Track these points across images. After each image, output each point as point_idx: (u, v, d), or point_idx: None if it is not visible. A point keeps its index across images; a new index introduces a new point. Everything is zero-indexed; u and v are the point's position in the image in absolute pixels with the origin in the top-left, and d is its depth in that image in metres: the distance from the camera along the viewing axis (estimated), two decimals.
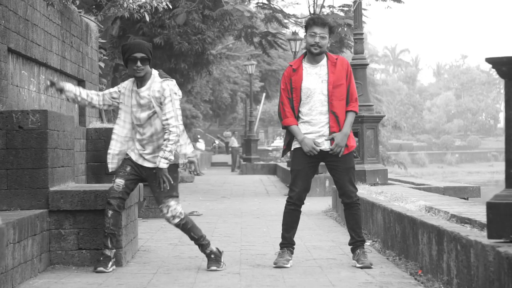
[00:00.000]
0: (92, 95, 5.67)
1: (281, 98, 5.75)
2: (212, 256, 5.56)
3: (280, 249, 5.76)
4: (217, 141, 54.26)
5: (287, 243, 5.76)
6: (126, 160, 5.59)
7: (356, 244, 5.76)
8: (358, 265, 5.61)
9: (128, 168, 5.57)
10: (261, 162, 29.73)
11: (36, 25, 7.59)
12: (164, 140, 5.43)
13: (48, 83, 5.59)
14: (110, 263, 5.45)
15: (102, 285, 4.95)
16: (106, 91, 5.70)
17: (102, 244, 5.51)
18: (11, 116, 5.50)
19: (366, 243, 5.89)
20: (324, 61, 5.72)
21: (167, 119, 5.43)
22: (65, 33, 8.80)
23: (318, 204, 11.76)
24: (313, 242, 7.16)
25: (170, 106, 5.44)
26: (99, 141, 9.21)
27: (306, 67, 5.71)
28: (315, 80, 5.67)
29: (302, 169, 5.69)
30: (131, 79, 5.65)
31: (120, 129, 5.62)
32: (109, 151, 5.63)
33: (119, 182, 5.53)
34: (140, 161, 5.58)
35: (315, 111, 5.65)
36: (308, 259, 6.05)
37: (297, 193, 5.71)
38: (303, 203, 5.79)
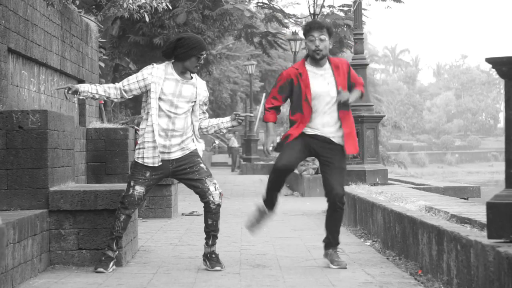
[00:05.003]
0: (110, 90, 5.52)
1: (273, 93, 5.78)
2: (214, 256, 5.57)
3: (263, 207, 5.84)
4: (217, 141, 54.25)
5: (268, 201, 5.82)
6: (143, 165, 5.47)
7: (331, 244, 5.72)
8: (333, 266, 5.58)
9: (148, 174, 5.48)
10: (261, 162, 29.69)
11: (36, 25, 7.59)
12: (208, 123, 5.79)
13: (65, 90, 5.48)
14: (111, 264, 5.45)
15: (102, 285, 4.95)
16: (125, 83, 5.52)
17: (106, 245, 5.50)
18: (11, 116, 5.50)
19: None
20: (327, 64, 5.70)
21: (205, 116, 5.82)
22: (65, 33, 8.81)
23: (318, 204, 11.76)
24: (313, 242, 7.16)
25: (207, 106, 5.81)
26: (99, 141, 9.22)
27: (310, 70, 5.68)
28: (321, 83, 5.65)
29: (292, 147, 5.63)
30: (159, 67, 5.51)
31: (158, 119, 5.46)
32: (148, 144, 5.44)
33: (140, 190, 5.45)
34: (166, 156, 5.49)
35: (321, 113, 5.63)
36: (308, 259, 6.05)
37: (281, 166, 5.60)
38: (287, 177, 5.70)
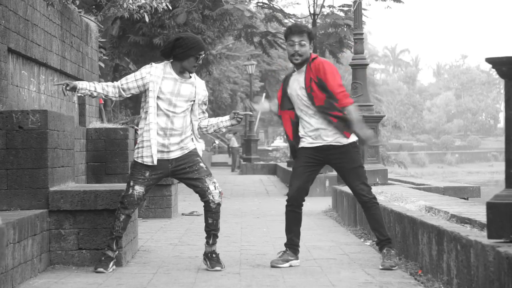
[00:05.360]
0: (108, 88, 5.52)
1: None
2: (214, 255, 5.56)
3: (284, 249, 5.76)
4: (217, 141, 54.27)
5: (288, 244, 5.75)
6: (143, 165, 5.47)
7: (381, 244, 5.65)
8: (380, 267, 5.52)
9: (147, 173, 5.47)
10: (261, 162, 29.72)
11: (36, 25, 7.59)
12: (208, 122, 5.78)
13: (63, 87, 5.47)
14: (111, 264, 5.45)
15: (102, 285, 4.95)
16: (124, 82, 5.52)
17: (106, 245, 5.50)
18: (11, 116, 5.50)
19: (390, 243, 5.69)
20: (304, 67, 5.65)
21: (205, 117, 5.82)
22: (65, 33, 8.81)
23: (318, 204, 11.76)
24: (313, 242, 7.16)
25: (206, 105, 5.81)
26: (99, 141, 9.22)
27: (294, 74, 5.72)
28: (296, 86, 5.64)
29: (298, 168, 5.67)
30: (157, 66, 5.51)
31: (157, 118, 5.47)
32: (147, 143, 5.44)
33: (140, 190, 5.45)
34: (165, 156, 5.49)
35: (306, 116, 5.62)
36: (308, 259, 6.05)
37: (292, 193, 5.67)
38: (301, 205, 5.73)
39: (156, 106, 5.45)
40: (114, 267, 5.48)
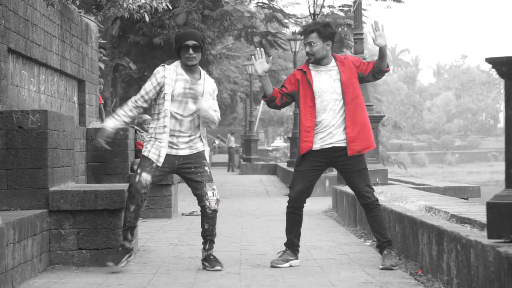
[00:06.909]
0: (134, 112, 5.54)
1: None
2: (212, 257, 5.57)
3: (284, 249, 5.76)
4: (217, 141, 54.26)
5: (288, 244, 5.75)
6: (149, 158, 5.48)
7: (382, 246, 5.65)
8: (380, 267, 5.52)
9: (154, 165, 5.48)
10: (261, 162, 29.73)
11: (36, 25, 7.59)
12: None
13: (104, 145, 5.51)
14: (125, 258, 5.48)
15: (102, 285, 4.95)
16: (143, 94, 5.50)
17: (122, 237, 5.53)
18: (11, 116, 5.50)
19: (389, 244, 5.70)
20: (333, 63, 5.69)
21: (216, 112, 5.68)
22: (65, 33, 8.81)
23: (318, 204, 11.76)
24: (313, 242, 7.16)
25: (216, 102, 5.72)
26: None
27: (314, 69, 5.68)
28: (326, 79, 5.63)
29: (303, 170, 5.66)
30: (170, 68, 5.52)
31: (168, 120, 5.49)
32: (158, 144, 5.47)
33: (147, 177, 5.45)
34: (174, 152, 5.50)
35: (327, 110, 5.60)
36: (308, 259, 6.05)
37: (294, 195, 5.66)
38: (302, 206, 5.73)
39: (169, 108, 5.47)
40: (127, 261, 5.49)
